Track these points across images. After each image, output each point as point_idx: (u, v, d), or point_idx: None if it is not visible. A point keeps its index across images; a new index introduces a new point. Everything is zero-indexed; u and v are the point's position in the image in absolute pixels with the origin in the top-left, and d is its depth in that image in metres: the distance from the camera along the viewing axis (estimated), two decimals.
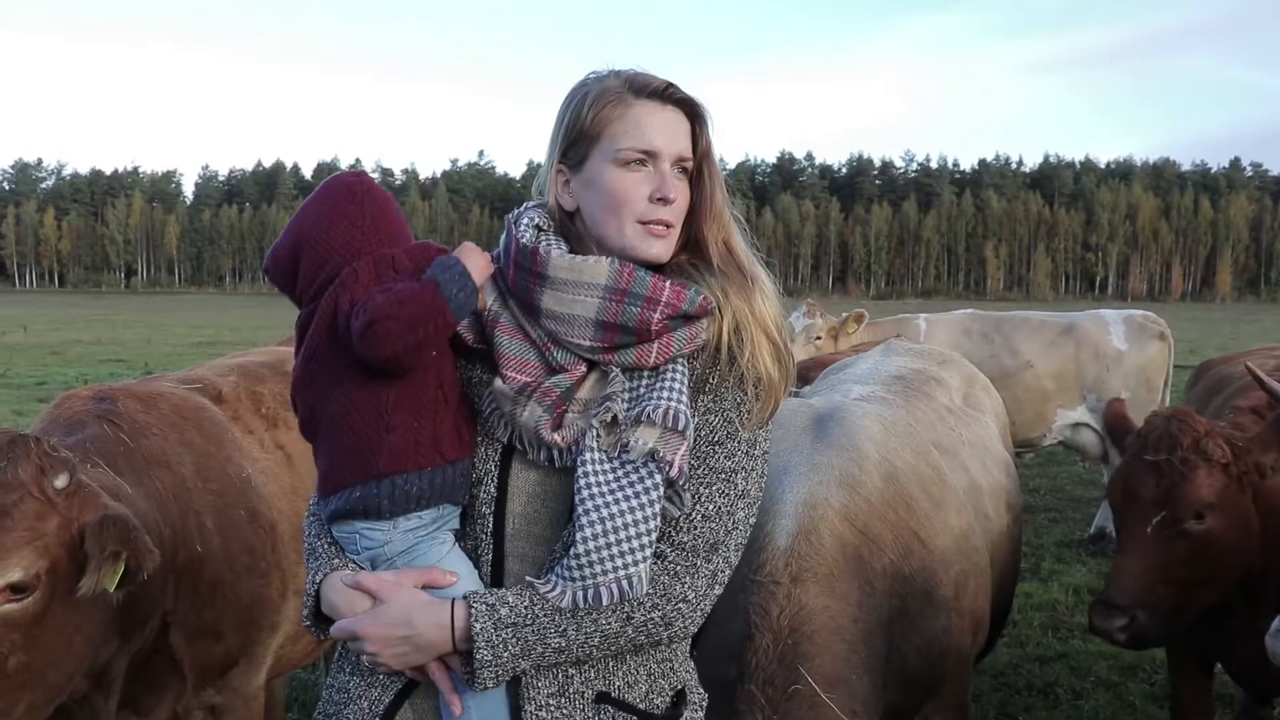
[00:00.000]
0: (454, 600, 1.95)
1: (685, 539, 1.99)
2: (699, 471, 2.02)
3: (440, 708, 2.03)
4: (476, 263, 2.03)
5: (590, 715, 2.02)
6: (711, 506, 2.02)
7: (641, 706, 2.06)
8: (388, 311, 1.92)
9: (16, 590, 2.55)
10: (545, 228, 2.12)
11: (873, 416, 3.70)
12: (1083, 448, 9.50)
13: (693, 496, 2.00)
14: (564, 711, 2.00)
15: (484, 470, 2.07)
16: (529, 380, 2.03)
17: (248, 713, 3.62)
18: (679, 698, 2.14)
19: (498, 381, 2.04)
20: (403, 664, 1.98)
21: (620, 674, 2.05)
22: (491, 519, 2.05)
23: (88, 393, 3.47)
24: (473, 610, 1.92)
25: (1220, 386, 5.40)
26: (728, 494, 2.03)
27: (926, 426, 3.98)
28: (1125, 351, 9.22)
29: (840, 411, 3.66)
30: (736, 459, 2.05)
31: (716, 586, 2.03)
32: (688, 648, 2.21)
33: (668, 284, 2.02)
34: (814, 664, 2.94)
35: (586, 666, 2.01)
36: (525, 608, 1.92)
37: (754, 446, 2.09)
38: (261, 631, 3.61)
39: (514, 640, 1.91)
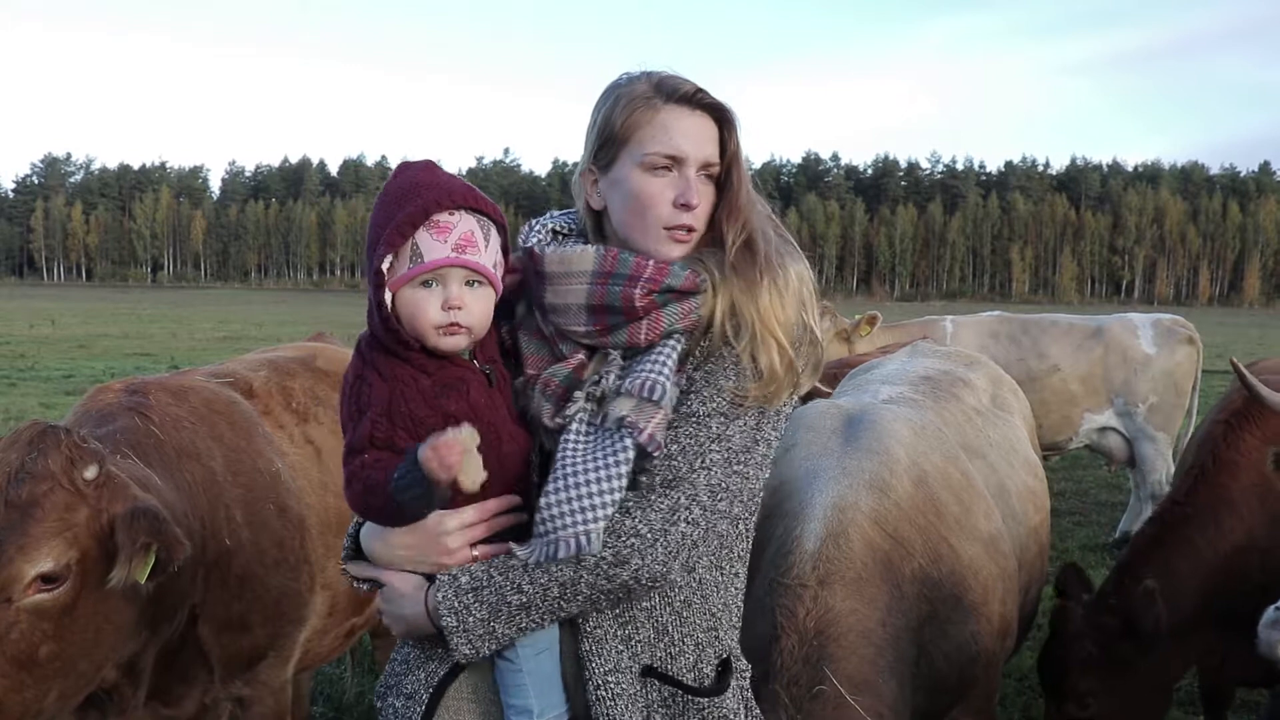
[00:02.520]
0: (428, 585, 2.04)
1: (643, 479, 2.01)
2: (670, 418, 2.04)
3: (496, 677, 2.09)
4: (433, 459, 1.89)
5: (639, 689, 2.06)
6: (675, 446, 2.03)
7: (689, 678, 2.09)
8: (351, 505, 2.08)
9: (47, 580, 2.57)
10: (566, 231, 2.18)
11: (902, 420, 3.67)
12: (1109, 451, 9.46)
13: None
14: (621, 687, 2.04)
15: (532, 462, 2.14)
16: (534, 373, 2.10)
17: (274, 705, 3.64)
18: (724, 667, 2.16)
19: (518, 380, 2.12)
20: (403, 635, 2.11)
21: (663, 645, 2.08)
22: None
23: (119, 385, 3.49)
24: (438, 583, 2.01)
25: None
26: (696, 436, 2.04)
27: (955, 428, 3.95)
28: (1154, 355, 9.16)
29: (870, 414, 3.64)
30: (712, 405, 2.06)
31: (680, 523, 2.00)
32: (734, 617, 2.22)
33: (651, 262, 2.06)
34: (839, 666, 2.93)
35: (634, 641, 2.06)
36: (482, 571, 1.99)
37: (741, 398, 2.07)
38: (289, 625, 3.62)
39: (476, 604, 1.97)
